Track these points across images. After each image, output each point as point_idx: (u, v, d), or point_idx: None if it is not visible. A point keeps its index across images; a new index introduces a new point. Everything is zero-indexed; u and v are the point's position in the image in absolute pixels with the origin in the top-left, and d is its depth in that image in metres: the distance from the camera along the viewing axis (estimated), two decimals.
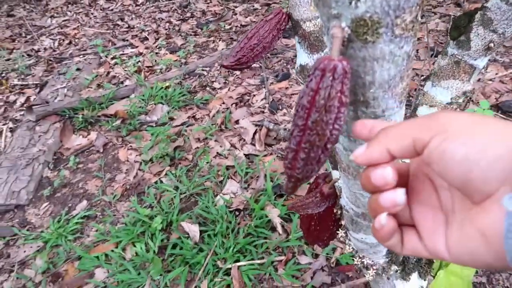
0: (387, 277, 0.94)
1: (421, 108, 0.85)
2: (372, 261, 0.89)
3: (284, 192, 1.92)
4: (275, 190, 1.93)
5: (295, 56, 2.91)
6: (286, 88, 2.80)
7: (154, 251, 1.74)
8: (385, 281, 0.96)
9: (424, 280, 0.99)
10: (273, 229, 1.76)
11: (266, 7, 4.28)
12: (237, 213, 1.88)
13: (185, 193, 2.02)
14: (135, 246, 1.78)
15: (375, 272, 0.90)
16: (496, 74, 2.46)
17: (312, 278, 1.56)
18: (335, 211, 0.89)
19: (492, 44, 0.70)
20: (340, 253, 1.62)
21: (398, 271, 0.91)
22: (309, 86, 0.35)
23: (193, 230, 1.77)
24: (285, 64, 3.10)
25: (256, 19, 4.02)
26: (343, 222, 0.83)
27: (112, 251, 1.78)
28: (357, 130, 0.39)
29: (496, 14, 0.67)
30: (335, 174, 0.92)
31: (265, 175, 2.00)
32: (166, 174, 2.18)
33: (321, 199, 0.76)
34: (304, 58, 0.85)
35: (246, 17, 4.11)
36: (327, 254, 1.63)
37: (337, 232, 1.02)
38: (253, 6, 4.35)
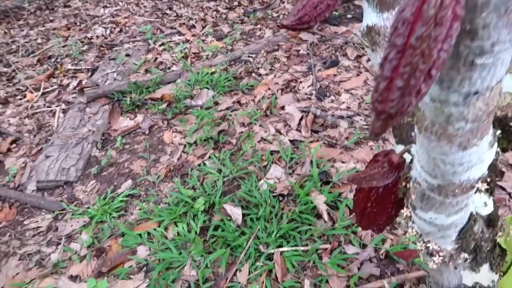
0: (454, 267, 0.85)
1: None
2: (439, 246, 0.80)
3: (329, 179, 1.84)
4: (321, 176, 1.85)
5: (345, 43, 2.78)
6: (334, 75, 2.70)
7: (195, 232, 1.72)
8: (451, 270, 0.87)
9: (496, 273, 0.88)
10: (318, 216, 1.69)
11: None
12: (280, 198, 1.82)
13: (228, 176, 1.99)
14: (177, 226, 1.78)
15: (441, 260, 0.81)
16: None
17: (359, 268, 1.48)
18: (399, 186, 0.82)
19: None
20: (390, 244, 1.53)
21: (468, 260, 0.82)
22: None
23: (236, 212, 1.74)
24: (333, 51, 2.99)
25: None
26: (410, 199, 0.75)
27: (155, 229, 1.78)
28: None
29: None
30: (399, 150, 0.84)
31: (311, 161, 1.93)
32: (209, 157, 2.16)
33: (389, 169, 0.69)
34: (373, 17, 0.77)
35: (293, 4, 4.01)
36: (376, 245, 1.54)
37: (396, 215, 0.94)
38: None
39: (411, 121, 0.81)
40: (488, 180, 0.77)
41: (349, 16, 3.60)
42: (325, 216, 1.66)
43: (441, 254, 0.81)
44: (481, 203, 0.80)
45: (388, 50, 0.30)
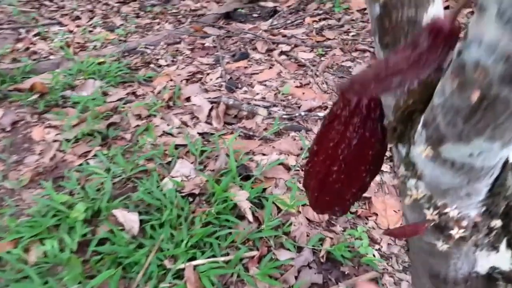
0: (474, 244, 0.56)
1: None
2: (460, 212, 0.51)
3: (249, 173, 1.50)
4: (240, 171, 1.51)
5: (254, 37, 2.52)
6: (245, 67, 2.42)
7: (71, 250, 1.23)
8: (464, 252, 0.58)
9: None
10: (241, 217, 1.34)
11: None
12: (191, 199, 1.43)
13: (120, 176, 1.53)
14: (43, 244, 1.26)
15: (462, 233, 0.52)
16: None
17: (297, 278, 1.15)
18: (385, 126, 0.52)
19: None
20: (330, 244, 1.24)
21: (496, 231, 0.54)
22: None
23: (131, 219, 1.29)
24: (242, 45, 2.73)
25: (207, 5, 3.64)
26: (431, 127, 0.44)
27: (8, 252, 1.24)
28: None
29: None
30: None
31: (227, 154, 1.58)
32: (95, 155, 1.67)
33: (435, 43, 0.35)
34: None
35: (197, 3, 3.71)
36: (313, 246, 1.23)
37: (370, 183, 0.64)
38: None
39: (414, 16, 0.52)
40: None
41: (255, 15, 3.42)
42: (249, 216, 1.31)
43: (463, 224, 0.52)
44: None
45: None
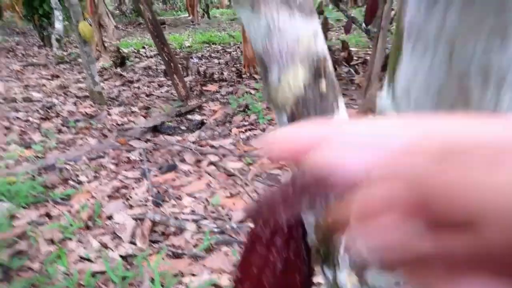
0: None
1: None
2: None
3: None
4: None
5: (182, 149, 2.53)
6: (173, 179, 2.36)
7: None
8: None
9: None
10: None
11: (145, 110, 3.99)
12: None
13: None
14: None
15: None
16: None
17: None
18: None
19: None
20: None
21: None
22: None
23: None
24: (170, 157, 2.71)
25: (135, 119, 3.66)
26: None
27: None
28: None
29: None
30: None
31: (152, 279, 1.42)
32: None
33: None
34: None
35: (123, 117, 3.73)
36: None
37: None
38: (131, 108, 4.03)
39: None
40: None
41: (183, 127, 3.49)
42: None
43: None
44: None
45: None
